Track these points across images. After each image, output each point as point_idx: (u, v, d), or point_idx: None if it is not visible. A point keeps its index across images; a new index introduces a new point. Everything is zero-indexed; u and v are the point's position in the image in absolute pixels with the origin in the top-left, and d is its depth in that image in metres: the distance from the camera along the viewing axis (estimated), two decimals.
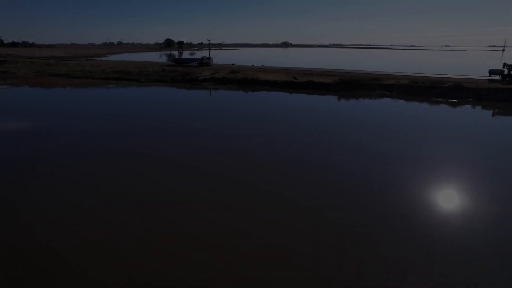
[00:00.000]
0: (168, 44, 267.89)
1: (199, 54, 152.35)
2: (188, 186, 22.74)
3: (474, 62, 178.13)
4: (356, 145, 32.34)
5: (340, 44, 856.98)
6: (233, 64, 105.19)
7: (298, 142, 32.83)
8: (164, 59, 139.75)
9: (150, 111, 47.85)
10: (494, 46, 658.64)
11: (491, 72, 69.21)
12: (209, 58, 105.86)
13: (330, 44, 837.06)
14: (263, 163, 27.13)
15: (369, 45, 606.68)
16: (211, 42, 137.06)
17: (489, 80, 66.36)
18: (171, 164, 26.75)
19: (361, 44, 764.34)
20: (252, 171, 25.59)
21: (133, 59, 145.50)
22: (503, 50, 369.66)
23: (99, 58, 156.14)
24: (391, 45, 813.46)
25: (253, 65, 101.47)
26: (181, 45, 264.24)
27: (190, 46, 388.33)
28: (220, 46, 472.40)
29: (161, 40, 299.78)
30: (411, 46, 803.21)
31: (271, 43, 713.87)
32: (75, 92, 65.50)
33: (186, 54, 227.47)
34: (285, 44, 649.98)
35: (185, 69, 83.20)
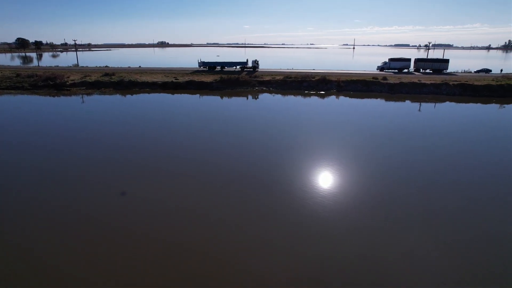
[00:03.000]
0: (22, 44, 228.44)
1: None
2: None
3: (333, 58, 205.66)
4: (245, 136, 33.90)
5: (217, 43, 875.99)
6: (106, 66, 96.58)
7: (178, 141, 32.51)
8: (17, 63, 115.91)
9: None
10: (346, 44, 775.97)
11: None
12: (256, 62, 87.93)
13: (208, 44, 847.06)
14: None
15: (244, 44, 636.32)
16: (78, 42, 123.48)
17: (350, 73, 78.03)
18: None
19: (237, 43, 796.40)
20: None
21: None
22: (353, 48, 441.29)
23: None
24: (264, 44, 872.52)
25: (129, 67, 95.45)
26: (39, 46, 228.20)
27: (51, 47, 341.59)
28: (89, 47, 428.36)
29: (11, 39, 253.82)
30: (282, 44, 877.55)
31: (147, 43, 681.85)
32: None
33: (46, 56, 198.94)
34: (162, 44, 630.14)
35: (49, 73, 71.94)
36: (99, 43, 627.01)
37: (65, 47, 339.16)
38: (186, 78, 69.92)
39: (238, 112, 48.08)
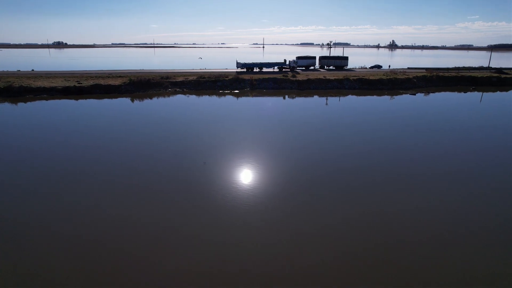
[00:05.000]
0: None
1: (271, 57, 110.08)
2: None
3: (245, 56, 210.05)
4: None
5: (123, 44, 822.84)
6: None
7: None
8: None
9: None
10: (256, 44, 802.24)
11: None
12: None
13: (113, 44, 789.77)
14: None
15: (153, 44, 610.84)
16: None
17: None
18: None
19: (145, 43, 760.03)
20: None
21: None
22: (263, 47, 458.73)
23: None
24: (175, 44, 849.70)
25: (19, 70, 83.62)
26: None
27: None
28: None
29: None
30: (193, 44, 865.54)
31: (39, 43, 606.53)
32: None
33: None
34: (59, 45, 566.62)
35: None
36: None
37: None
38: (91, 82, 64.02)
39: (156, 113, 45.86)
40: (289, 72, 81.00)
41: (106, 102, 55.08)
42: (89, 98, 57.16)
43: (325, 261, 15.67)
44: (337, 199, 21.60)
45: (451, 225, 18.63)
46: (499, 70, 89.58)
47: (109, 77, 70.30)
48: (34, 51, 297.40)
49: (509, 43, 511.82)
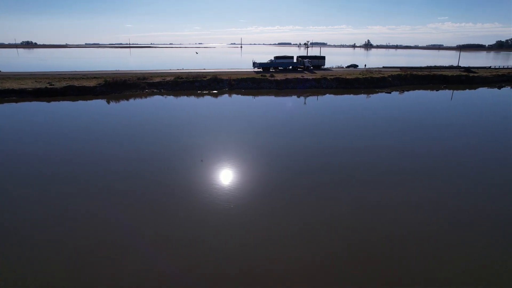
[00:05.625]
0: None
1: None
2: None
3: (223, 56, 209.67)
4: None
5: (98, 44, 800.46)
6: None
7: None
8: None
9: None
10: (234, 43, 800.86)
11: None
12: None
13: (86, 44, 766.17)
14: None
15: (129, 44, 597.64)
16: None
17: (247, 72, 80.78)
18: None
19: (121, 43, 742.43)
20: None
21: None
22: (241, 47, 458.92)
23: None
24: (151, 44, 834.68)
25: None
26: None
27: None
28: None
29: None
30: (170, 44, 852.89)
31: (6, 42, 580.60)
32: None
33: None
34: (29, 44, 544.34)
35: None
36: None
37: None
38: (64, 83, 61.83)
39: (134, 114, 44.86)
40: (267, 73, 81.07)
41: (80, 104, 53.37)
42: (62, 100, 55.18)
43: (314, 260, 15.77)
44: (323, 197, 21.80)
45: (440, 223, 19.23)
46: (467, 69, 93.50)
47: (83, 78, 68.16)
48: (0, 51, 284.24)
49: (476, 43, 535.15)
